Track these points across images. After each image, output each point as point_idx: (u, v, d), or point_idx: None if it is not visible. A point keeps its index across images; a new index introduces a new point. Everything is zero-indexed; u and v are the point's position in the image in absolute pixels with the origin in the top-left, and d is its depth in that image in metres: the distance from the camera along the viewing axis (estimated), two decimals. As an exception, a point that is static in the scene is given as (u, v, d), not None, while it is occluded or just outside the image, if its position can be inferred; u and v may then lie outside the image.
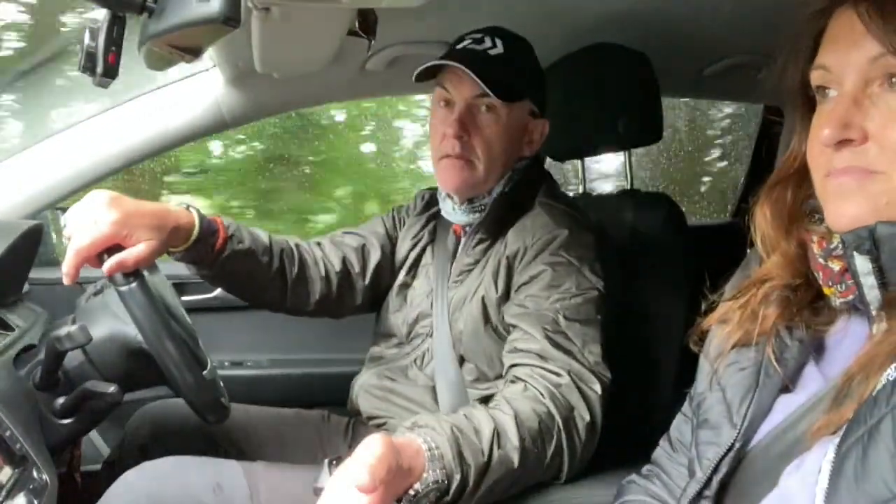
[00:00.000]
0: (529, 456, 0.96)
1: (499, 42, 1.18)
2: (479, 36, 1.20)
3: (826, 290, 0.69)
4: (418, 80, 1.21)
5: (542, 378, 1.02)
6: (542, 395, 1.00)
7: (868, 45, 0.61)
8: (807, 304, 0.72)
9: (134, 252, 1.03)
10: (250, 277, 1.25)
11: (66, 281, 1.03)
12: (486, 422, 0.94)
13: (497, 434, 0.93)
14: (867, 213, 0.62)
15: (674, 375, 1.36)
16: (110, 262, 1.02)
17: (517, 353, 1.07)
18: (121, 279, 1.01)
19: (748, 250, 0.80)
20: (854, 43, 0.62)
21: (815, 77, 0.67)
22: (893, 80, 0.60)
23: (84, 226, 1.03)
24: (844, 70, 0.63)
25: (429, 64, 1.19)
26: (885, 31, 0.60)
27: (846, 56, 0.63)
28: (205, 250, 1.16)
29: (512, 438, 0.94)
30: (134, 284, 1.01)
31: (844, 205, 0.63)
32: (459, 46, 1.21)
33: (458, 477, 0.88)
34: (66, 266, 1.03)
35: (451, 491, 0.87)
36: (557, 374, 1.02)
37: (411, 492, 0.84)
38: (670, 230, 1.39)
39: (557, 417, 0.99)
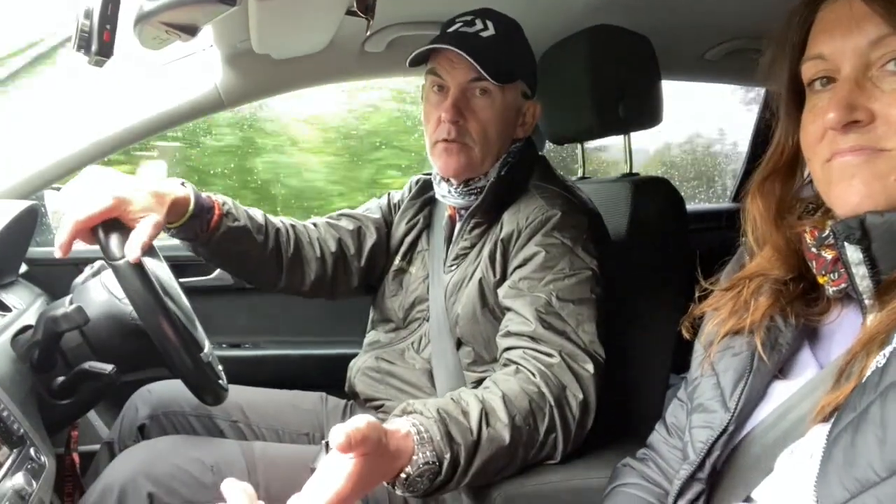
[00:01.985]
0: (521, 434, 0.97)
1: (490, 24, 1.17)
2: (469, 18, 1.19)
3: (820, 279, 0.69)
4: (412, 65, 1.20)
5: (534, 359, 1.03)
6: (533, 374, 1.01)
7: (869, 28, 0.62)
8: (798, 296, 0.72)
9: (141, 234, 1.01)
10: (245, 256, 1.25)
11: (58, 254, 1.01)
12: (475, 402, 0.95)
13: (485, 413, 0.95)
14: (877, 191, 0.62)
15: (670, 359, 1.37)
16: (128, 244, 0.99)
17: (510, 337, 1.08)
18: (115, 254, 0.99)
19: (742, 239, 0.80)
20: (854, 27, 0.63)
21: (809, 67, 0.68)
22: (890, 59, 0.61)
23: (82, 199, 1.01)
24: (843, 56, 0.64)
25: (424, 48, 1.18)
26: (889, 11, 0.61)
27: (845, 42, 0.64)
28: (200, 227, 1.17)
29: (501, 417, 0.95)
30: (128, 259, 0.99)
31: (852, 183, 0.63)
32: (451, 30, 1.19)
33: (448, 456, 0.89)
34: (61, 237, 1.00)
35: (443, 471, 0.89)
36: (549, 355, 1.03)
37: (403, 475, 0.85)
38: (669, 214, 1.38)
39: (549, 396, 1.00)
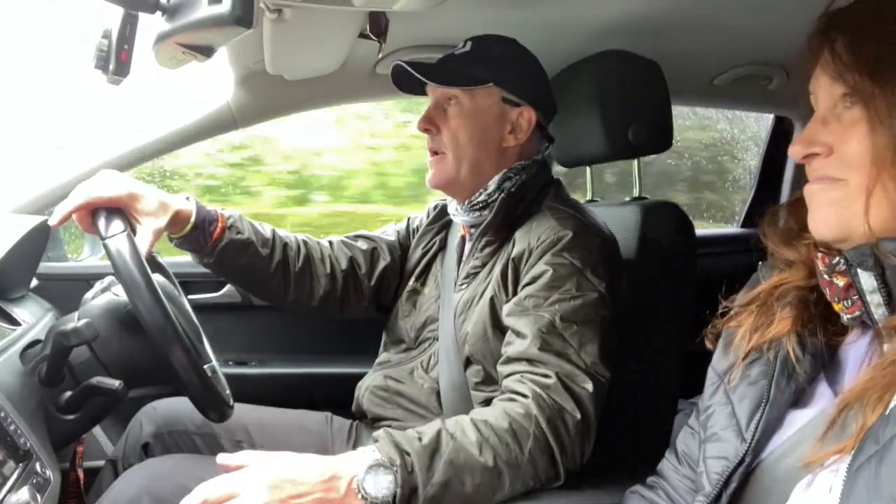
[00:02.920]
0: (499, 452, 0.95)
1: (469, 43, 1.23)
2: (461, 43, 1.24)
3: (835, 306, 0.69)
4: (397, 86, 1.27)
5: (531, 381, 1.02)
6: (524, 396, 1.01)
7: (833, 67, 0.67)
8: (824, 306, 0.72)
9: (143, 241, 1.09)
10: (250, 268, 1.28)
11: (52, 222, 1.09)
12: (434, 424, 0.96)
13: (445, 428, 0.95)
14: (831, 217, 0.66)
15: (679, 384, 1.36)
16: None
17: (509, 363, 1.07)
18: (111, 231, 1.01)
19: (759, 263, 0.79)
20: (825, 65, 0.68)
21: (812, 101, 0.72)
22: (846, 98, 0.66)
23: (91, 184, 1.07)
24: (819, 94, 0.69)
25: (393, 62, 1.23)
26: (832, 62, 0.66)
27: (818, 81, 0.69)
28: (203, 238, 1.22)
29: (468, 433, 0.95)
30: (122, 235, 1.00)
31: (814, 209, 0.68)
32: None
33: (399, 461, 0.88)
34: (63, 207, 1.07)
35: (399, 480, 0.88)
36: (545, 376, 1.02)
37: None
38: (678, 238, 1.38)
39: (539, 417, 0.99)
